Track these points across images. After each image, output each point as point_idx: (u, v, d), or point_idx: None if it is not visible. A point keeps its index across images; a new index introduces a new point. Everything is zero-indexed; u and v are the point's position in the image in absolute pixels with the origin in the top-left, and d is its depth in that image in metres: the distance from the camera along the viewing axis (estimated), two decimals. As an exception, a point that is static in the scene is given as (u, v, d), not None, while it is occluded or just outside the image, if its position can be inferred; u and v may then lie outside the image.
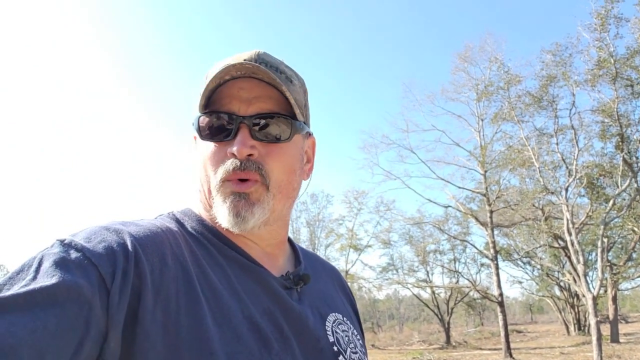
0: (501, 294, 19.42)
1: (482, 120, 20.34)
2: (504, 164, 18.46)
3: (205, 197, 0.76)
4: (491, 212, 19.84)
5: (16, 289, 0.51)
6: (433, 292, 29.05)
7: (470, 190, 21.75)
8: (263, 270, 0.74)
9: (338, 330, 0.78)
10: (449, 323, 28.58)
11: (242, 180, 0.71)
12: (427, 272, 29.71)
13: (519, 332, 31.89)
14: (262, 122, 0.72)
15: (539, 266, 26.32)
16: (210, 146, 0.73)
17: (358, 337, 0.84)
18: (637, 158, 14.87)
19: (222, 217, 0.71)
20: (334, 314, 0.81)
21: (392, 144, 21.34)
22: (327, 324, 0.78)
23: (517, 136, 17.11)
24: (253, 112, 0.72)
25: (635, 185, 14.42)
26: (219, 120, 0.72)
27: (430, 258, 28.89)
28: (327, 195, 27.37)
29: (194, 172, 0.79)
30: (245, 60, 0.73)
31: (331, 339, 0.75)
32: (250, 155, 0.71)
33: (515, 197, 18.81)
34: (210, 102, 0.73)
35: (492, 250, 19.88)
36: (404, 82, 38.96)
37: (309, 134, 0.83)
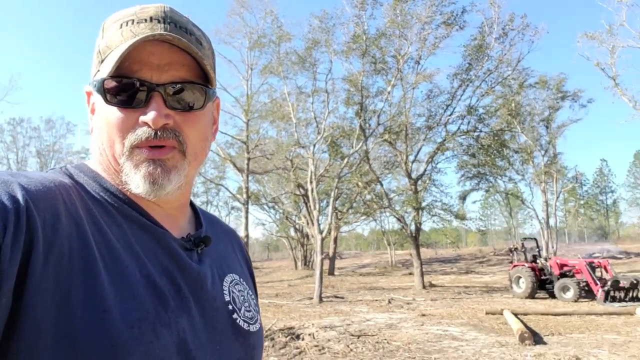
0: (247, 235, 21.09)
1: (251, 69, 20.97)
2: (266, 115, 19.63)
3: (109, 161, 0.72)
4: (249, 159, 21.03)
5: None
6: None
7: (232, 136, 22.49)
8: (163, 231, 0.73)
9: (234, 290, 0.81)
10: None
11: (156, 147, 0.68)
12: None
13: (256, 268, 35.42)
14: (176, 90, 0.69)
15: (281, 210, 29.52)
16: (117, 111, 0.69)
17: (252, 296, 0.88)
18: (369, 125, 17.97)
19: (135, 184, 0.69)
20: (231, 274, 0.84)
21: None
22: (224, 284, 0.80)
23: (281, 91, 18.35)
24: (167, 80, 0.69)
25: (365, 148, 17.49)
26: (129, 87, 0.67)
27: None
28: (68, 122, 23.68)
29: (94, 134, 0.74)
30: (152, 17, 0.69)
31: (227, 298, 0.78)
32: (165, 124, 0.68)
33: (272, 147, 20.35)
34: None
35: (245, 195, 21.22)
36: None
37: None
